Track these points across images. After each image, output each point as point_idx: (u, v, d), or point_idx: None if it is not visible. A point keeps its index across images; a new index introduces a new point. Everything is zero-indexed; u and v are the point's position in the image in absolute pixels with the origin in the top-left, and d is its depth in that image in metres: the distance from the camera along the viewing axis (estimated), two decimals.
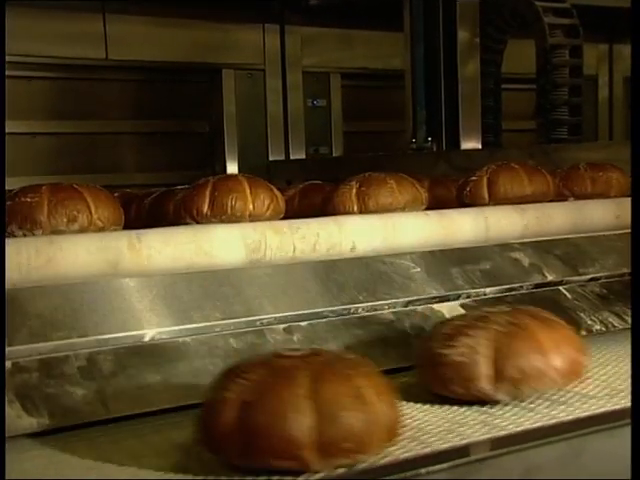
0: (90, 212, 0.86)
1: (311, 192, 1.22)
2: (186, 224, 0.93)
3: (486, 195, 1.11)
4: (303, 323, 0.83)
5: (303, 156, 2.52)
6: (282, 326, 0.82)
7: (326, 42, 2.61)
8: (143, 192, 1.22)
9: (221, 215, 0.93)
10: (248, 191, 0.95)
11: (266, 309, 0.83)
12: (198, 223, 0.93)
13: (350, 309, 0.87)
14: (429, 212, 1.04)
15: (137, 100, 2.48)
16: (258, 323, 0.82)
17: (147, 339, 0.75)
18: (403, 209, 1.05)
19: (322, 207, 1.07)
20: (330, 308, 0.86)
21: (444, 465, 0.38)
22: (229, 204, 0.93)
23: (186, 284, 0.82)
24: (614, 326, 0.93)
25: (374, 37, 2.58)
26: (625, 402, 0.66)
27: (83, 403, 0.66)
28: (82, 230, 0.85)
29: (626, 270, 1.05)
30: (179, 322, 0.78)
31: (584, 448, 0.42)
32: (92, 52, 2.32)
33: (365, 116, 2.69)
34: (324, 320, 0.85)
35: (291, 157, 2.51)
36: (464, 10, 1.88)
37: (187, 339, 0.77)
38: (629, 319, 0.94)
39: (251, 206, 0.94)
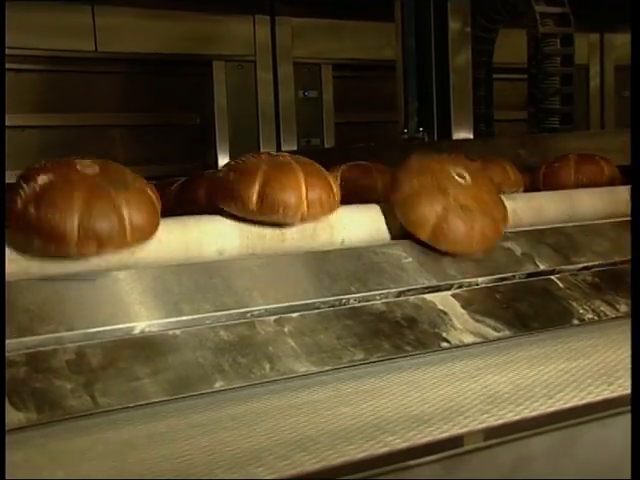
0: None
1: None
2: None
3: None
4: (294, 314, 0.83)
5: (295, 147, 2.51)
6: (273, 318, 0.82)
7: (317, 33, 2.60)
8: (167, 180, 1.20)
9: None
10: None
11: (257, 301, 0.82)
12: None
13: (342, 300, 0.87)
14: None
15: (127, 93, 2.46)
16: (249, 315, 0.81)
17: (136, 332, 0.75)
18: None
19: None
20: (321, 299, 0.86)
21: (434, 457, 0.38)
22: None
23: (176, 276, 0.82)
24: (606, 315, 0.92)
25: (365, 28, 2.57)
26: (621, 390, 0.66)
27: (72, 397, 0.65)
28: None
29: (618, 259, 1.04)
30: (169, 314, 0.77)
31: (576, 438, 0.42)
32: (81, 44, 2.30)
33: (357, 107, 2.69)
34: (315, 311, 0.84)
35: (282, 149, 2.50)
36: (455, 0, 1.87)
37: (177, 331, 0.76)
38: (621, 307, 0.94)
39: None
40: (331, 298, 0.86)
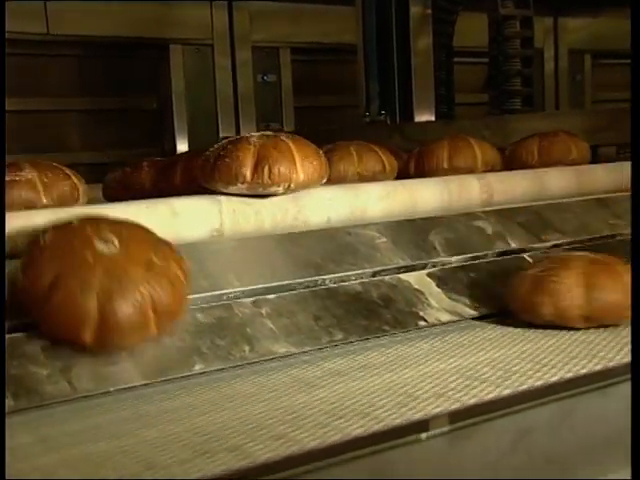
0: None
1: None
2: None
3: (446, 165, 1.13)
4: (271, 296, 0.82)
5: (254, 132, 2.48)
6: (250, 299, 0.80)
7: (275, 17, 2.58)
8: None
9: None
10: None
11: (232, 283, 0.81)
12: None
13: (317, 281, 0.86)
14: (392, 182, 1.04)
15: (81, 77, 2.41)
16: (225, 297, 0.80)
17: None
18: (370, 178, 1.05)
19: None
20: (297, 280, 0.85)
21: (438, 430, 0.37)
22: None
23: None
24: None
25: (324, 11, 2.56)
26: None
27: (48, 383, 0.63)
28: None
29: (587, 236, 1.06)
30: None
31: (574, 409, 0.42)
32: (32, 27, 2.24)
33: (316, 91, 2.67)
34: (292, 292, 0.83)
35: (242, 133, 2.47)
36: None
37: None
38: None
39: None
40: (307, 279, 0.86)
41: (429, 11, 1.88)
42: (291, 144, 0.90)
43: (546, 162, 1.21)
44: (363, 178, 1.07)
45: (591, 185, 1.17)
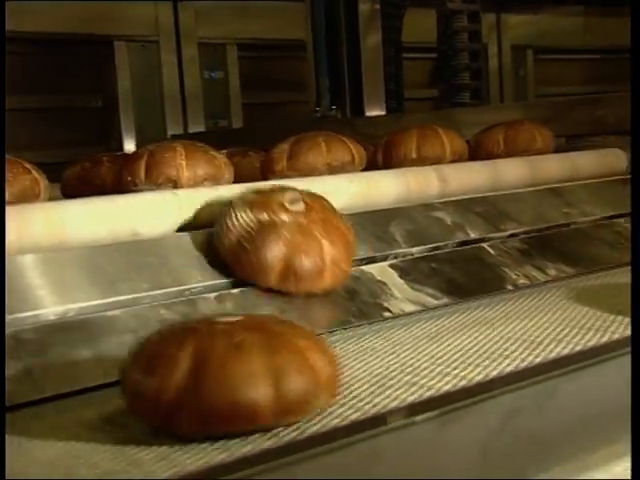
0: None
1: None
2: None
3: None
4: (234, 291, 0.81)
5: (202, 129, 2.46)
6: (213, 295, 0.79)
7: (221, 13, 2.56)
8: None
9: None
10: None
11: (195, 278, 0.80)
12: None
13: None
14: (351, 174, 1.03)
15: (24, 74, 2.35)
16: (188, 293, 0.78)
17: (72, 314, 0.71)
18: (340, 169, 1.05)
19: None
20: None
21: (431, 414, 0.37)
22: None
23: (108, 256, 0.78)
24: (537, 279, 0.95)
25: (270, 7, 2.55)
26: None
27: (12, 384, 0.61)
28: None
29: (543, 225, 1.07)
30: (105, 295, 0.74)
31: (557, 389, 0.42)
32: None
33: (264, 87, 2.66)
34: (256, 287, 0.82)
35: (190, 131, 2.45)
36: None
37: (116, 312, 0.73)
38: (550, 272, 0.96)
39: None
40: None
41: (377, 6, 1.89)
42: (181, 149, 0.94)
43: (512, 151, 1.22)
44: (332, 169, 1.06)
45: (544, 175, 1.19)
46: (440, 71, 1.86)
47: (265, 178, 1.07)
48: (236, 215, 0.79)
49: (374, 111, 1.90)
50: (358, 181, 1.02)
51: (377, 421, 0.36)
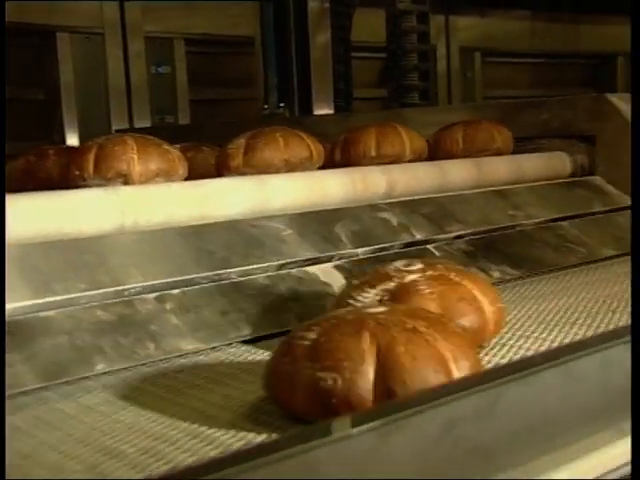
0: None
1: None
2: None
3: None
4: (175, 291, 0.79)
5: (148, 125, 2.42)
6: (153, 295, 0.77)
7: (168, 7, 2.51)
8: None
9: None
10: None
11: (134, 278, 0.78)
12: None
13: (222, 275, 0.83)
14: (297, 173, 1.02)
15: None
16: (126, 293, 0.76)
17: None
18: (298, 166, 1.03)
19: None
20: (202, 274, 0.82)
21: (371, 425, 0.36)
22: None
23: (43, 254, 0.75)
24: None
25: (219, 2, 2.51)
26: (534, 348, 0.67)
27: None
28: None
29: (487, 227, 1.07)
30: (39, 295, 0.71)
31: (499, 398, 0.41)
32: None
33: (213, 83, 2.62)
34: (197, 287, 0.80)
35: (135, 126, 2.40)
36: None
37: (50, 313, 0.70)
38: (494, 274, 0.97)
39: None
40: (212, 273, 0.83)
41: (327, 5, 1.88)
42: (133, 143, 0.91)
43: (470, 150, 1.22)
44: (290, 165, 1.04)
45: (491, 177, 1.19)
46: (389, 71, 1.86)
47: (220, 174, 1.05)
48: None
49: (322, 110, 1.89)
50: (304, 180, 1.01)
51: (319, 433, 0.34)
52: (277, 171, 1.03)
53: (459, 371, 0.48)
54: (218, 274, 0.83)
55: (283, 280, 0.86)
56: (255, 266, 0.86)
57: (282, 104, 1.90)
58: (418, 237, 1.00)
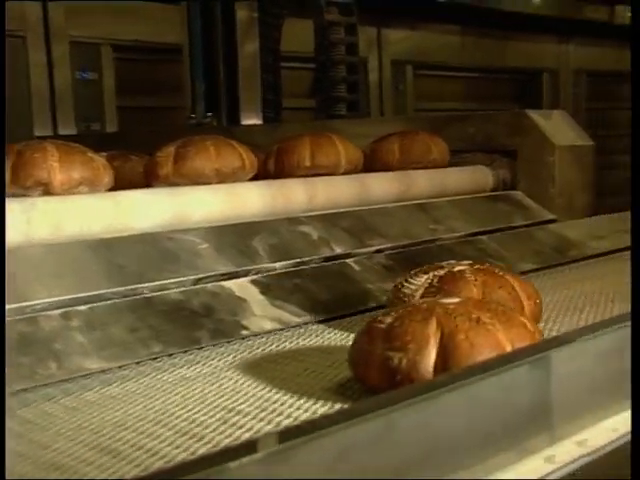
0: None
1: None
2: None
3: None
4: (82, 307, 0.76)
5: (74, 132, 2.35)
6: (58, 312, 0.74)
7: (95, 12, 2.45)
8: None
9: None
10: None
11: (39, 294, 0.74)
12: None
13: (135, 290, 0.81)
14: (216, 185, 1.00)
15: None
16: (29, 310, 0.73)
17: None
18: (230, 175, 1.01)
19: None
20: (112, 290, 0.79)
21: (256, 456, 0.34)
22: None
23: None
24: None
25: (147, 9, 2.47)
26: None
27: None
28: None
29: (408, 241, 1.07)
30: None
31: (395, 424, 0.40)
32: None
33: (141, 91, 2.58)
34: (106, 303, 0.77)
35: (60, 133, 2.34)
36: None
37: None
38: None
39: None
40: (123, 288, 0.80)
41: (255, 14, 1.86)
42: (54, 150, 0.88)
43: (407, 161, 1.22)
44: (221, 175, 1.01)
45: (413, 190, 1.19)
46: (317, 82, 1.86)
47: (149, 183, 1.02)
48: None
49: (251, 120, 1.87)
50: (222, 193, 0.99)
51: (205, 463, 0.32)
52: (208, 181, 1.00)
53: None
54: (130, 289, 0.81)
55: (197, 295, 0.84)
56: (169, 281, 0.84)
57: (210, 113, 1.87)
58: (338, 251, 0.99)
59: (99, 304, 0.77)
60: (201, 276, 0.86)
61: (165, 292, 0.82)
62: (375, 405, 0.40)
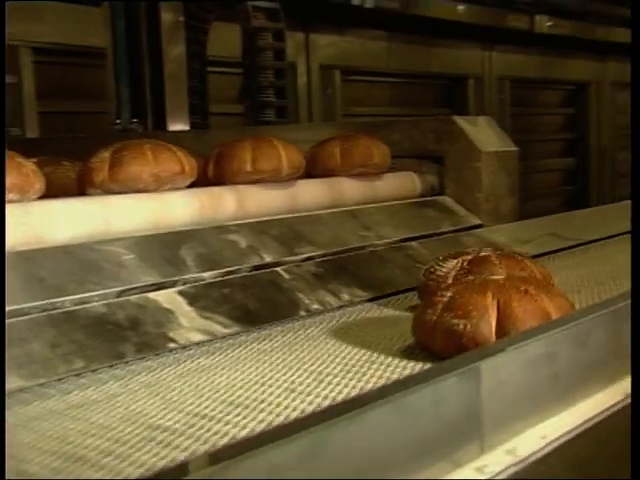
0: None
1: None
2: None
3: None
4: None
5: None
6: None
7: (12, 12, 2.37)
8: None
9: None
10: None
11: None
12: None
13: (56, 303, 0.78)
14: (140, 194, 0.97)
15: None
16: None
17: None
18: (168, 181, 0.98)
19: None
20: (31, 304, 0.76)
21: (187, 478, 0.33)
22: None
23: None
24: (330, 304, 0.93)
25: (69, 10, 2.40)
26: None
27: None
28: None
29: (338, 249, 1.07)
30: None
31: (326, 440, 0.39)
32: None
33: (63, 95, 2.50)
34: (25, 318, 0.74)
35: None
36: None
37: None
38: (344, 296, 0.96)
39: None
40: (43, 302, 0.77)
41: (181, 18, 1.83)
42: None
43: (348, 165, 1.21)
44: (160, 180, 0.97)
45: (343, 197, 1.19)
46: (245, 88, 1.84)
47: (83, 191, 0.98)
48: None
49: (178, 125, 1.84)
50: (148, 201, 0.97)
51: None
52: (146, 187, 0.97)
53: None
54: (50, 303, 0.78)
55: (122, 308, 0.81)
56: (92, 293, 0.81)
57: (135, 119, 1.83)
58: (267, 260, 0.98)
59: (17, 319, 0.74)
60: (126, 288, 0.84)
61: (88, 305, 0.79)
62: (305, 423, 0.39)
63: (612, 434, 0.55)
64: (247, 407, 0.61)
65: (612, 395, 0.57)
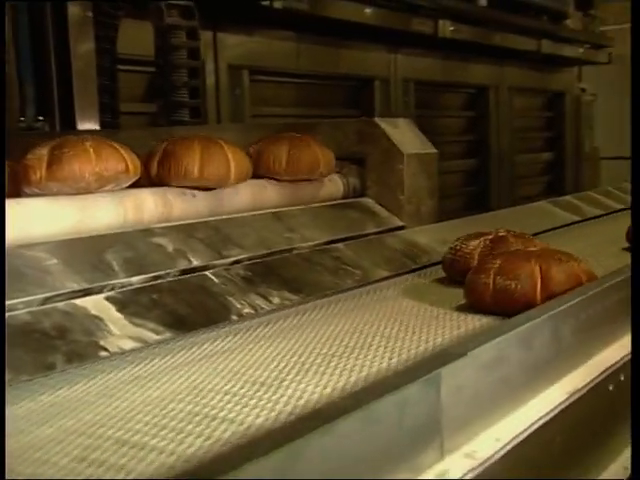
0: None
1: None
2: None
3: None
4: None
5: None
6: None
7: None
8: None
9: None
10: None
11: None
12: None
13: None
14: (60, 197, 0.93)
15: None
16: None
17: None
18: (112, 180, 0.93)
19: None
20: None
21: None
22: None
23: None
24: (262, 308, 0.92)
25: None
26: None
27: None
28: None
29: (265, 251, 1.05)
30: None
31: (297, 453, 0.38)
32: None
33: None
34: None
35: None
36: None
37: None
38: (274, 300, 0.94)
39: None
40: None
41: (90, 14, 1.77)
42: None
43: (293, 173, 1.18)
44: (102, 179, 0.92)
45: (266, 199, 1.17)
46: (158, 87, 1.80)
47: (17, 191, 0.92)
48: None
49: (87, 124, 1.77)
50: (70, 204, 0.93)
51: None
52: (88, 186, 0.92)
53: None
54: None
55: (48, 316, 0.77)
56: (14, 301, 0.77)
57: (41, 117, 1.76)
58: (195, 263, 0.96)
59: None
60: (51, 294, 0.80)
61: (11, 313, 0.75)
62: (279, 437, 0.38)
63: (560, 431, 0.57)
64: (182, 420, 0.59)
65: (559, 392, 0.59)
